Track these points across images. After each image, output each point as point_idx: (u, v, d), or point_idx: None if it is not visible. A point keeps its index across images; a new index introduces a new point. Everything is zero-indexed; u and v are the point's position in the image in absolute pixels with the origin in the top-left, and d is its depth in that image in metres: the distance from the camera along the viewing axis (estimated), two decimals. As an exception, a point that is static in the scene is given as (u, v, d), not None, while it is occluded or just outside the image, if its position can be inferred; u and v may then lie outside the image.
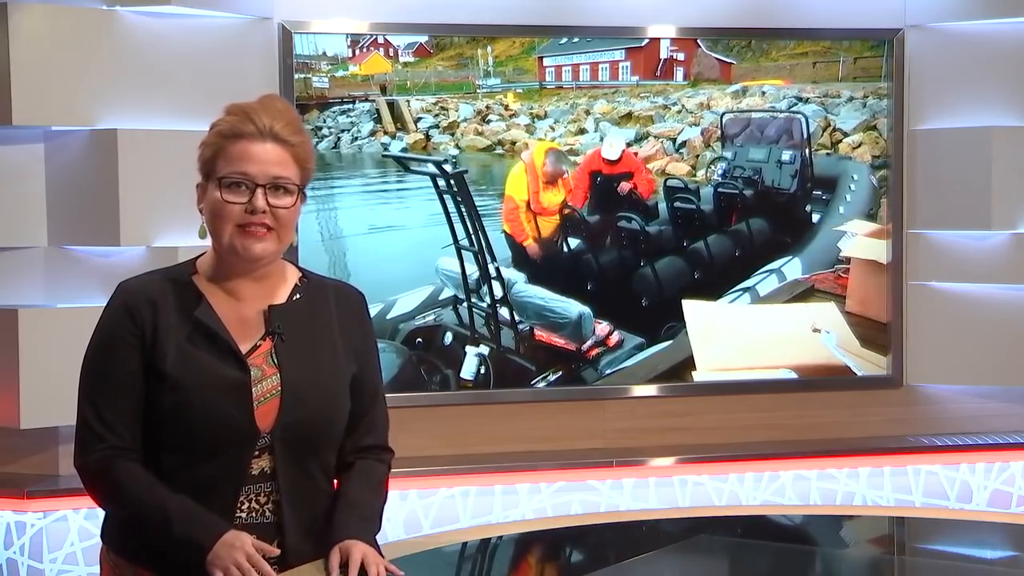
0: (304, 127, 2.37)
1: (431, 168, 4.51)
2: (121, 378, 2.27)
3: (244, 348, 2.30)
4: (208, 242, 2.34)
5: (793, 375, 4.77)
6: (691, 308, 4.70)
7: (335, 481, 2.45)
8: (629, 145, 4.66)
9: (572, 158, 4.61)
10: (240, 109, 2.30)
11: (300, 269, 2.44)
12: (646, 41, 4.66)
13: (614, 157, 4.63)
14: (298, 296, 2.38)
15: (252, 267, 2.31)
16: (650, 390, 4.68)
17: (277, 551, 2.28)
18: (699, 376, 4.71)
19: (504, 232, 4.56)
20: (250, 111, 2.28)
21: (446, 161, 4.51)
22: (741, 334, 4.74)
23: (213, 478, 2.27)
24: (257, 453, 2.29)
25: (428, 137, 4.53)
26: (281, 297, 2.37)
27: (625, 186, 4.59)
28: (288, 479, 2.31)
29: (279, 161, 2.28)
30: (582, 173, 4.62)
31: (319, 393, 2.34)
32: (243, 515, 2.29)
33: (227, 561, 2.18)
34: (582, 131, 4.62)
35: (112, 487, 2.28)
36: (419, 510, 4.25)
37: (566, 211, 4.60)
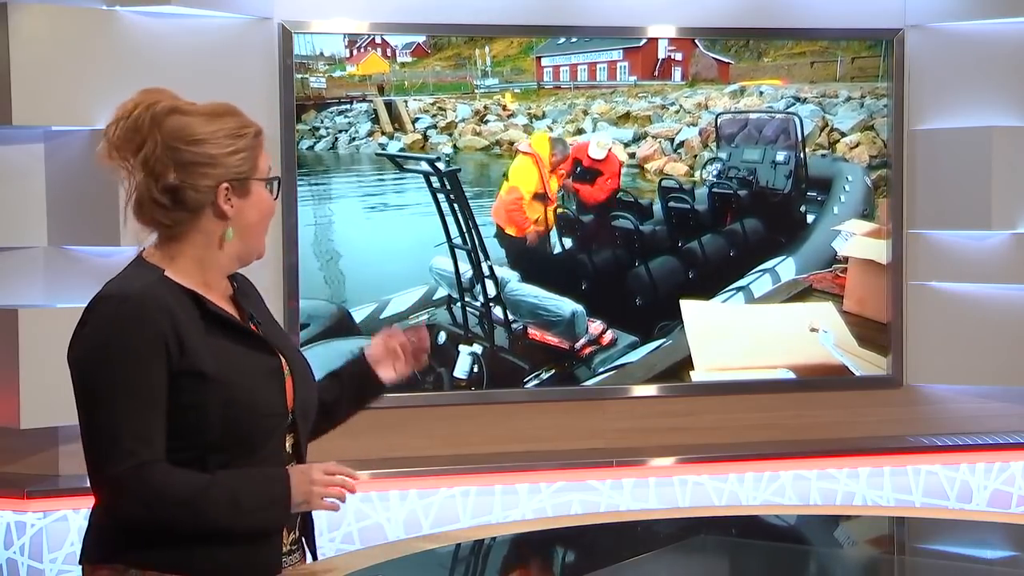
0: None
1: (424, 166, 4.51)
2: (151, 390, 2.19)
3: None
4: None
5: (791, 374, 4.77)
6: (689, 308, 4.71)
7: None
8: (627, 145, 4.66)
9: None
10: (239, 111, 2.32)
11: None
12: (644, 41, 4.66)
13: (600, 156, 4.63)
14: (236, 284, 2.40)
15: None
16: (650, 390, 4.68)
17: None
18: (697, 376, 4.71)
19: (497, 227, 4.56)
20: (246, 118, 2.33)
21: (439, 159, 4.51)
22: (739, 334, 4.74)
23: (262, 466, 2.28)
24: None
25: (426, 137, 4.53)
26: (229, 287, 2.38)
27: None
28: (307, 453, 2.37)
29: None
30: (571, 158, 4.63)
31: (308, 367, 2.41)
32: None
33: (319, 491, 2.23)
34: (580, 131, 4.62)
35: (156, 487, 2.19)
36: (419, 510, 4.25)
37: (560, 210, 4.61)
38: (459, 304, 4.54)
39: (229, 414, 2.22)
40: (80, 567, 2.31)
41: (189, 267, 2.29)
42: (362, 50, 4.49)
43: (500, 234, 4.57)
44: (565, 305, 4.61)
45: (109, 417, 2.18)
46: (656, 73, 4.69)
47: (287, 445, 2.33)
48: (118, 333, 2.19)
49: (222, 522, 2.20)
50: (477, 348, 4.56)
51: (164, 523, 2.22)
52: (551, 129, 4.60)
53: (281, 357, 2.33)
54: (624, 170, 4.66)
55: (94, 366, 2.20)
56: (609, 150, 4.63)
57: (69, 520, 4.01)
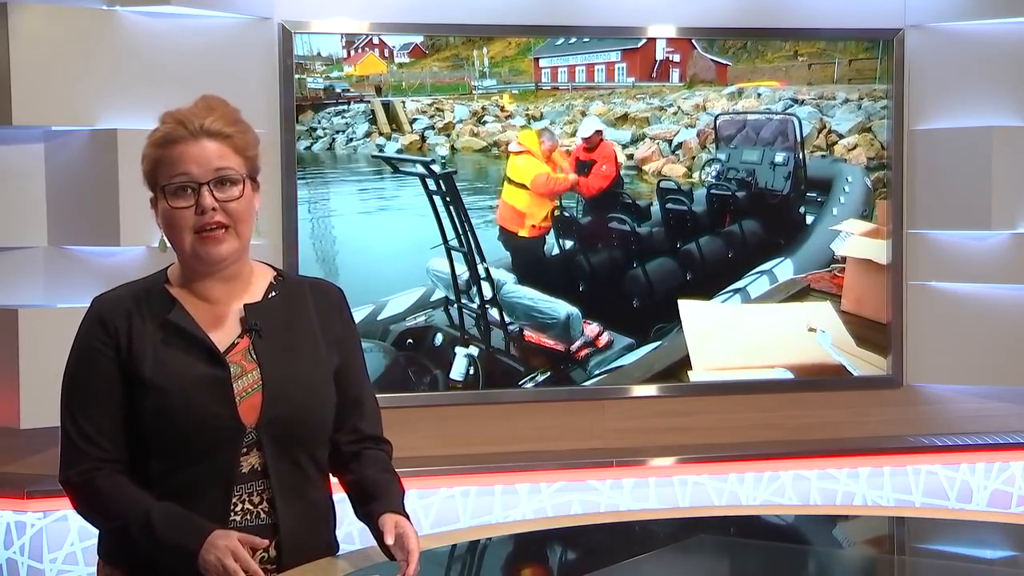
0: (242, 118, 2.32)
1: (419, 168, 4.50)
2: (99, 390, 2.27)
3: (221, 346, 2.29)
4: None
5: (788, 374, 4.77)
6: (687, 308, 4.70)
7: (341, 471, 2.45)
8: (625, 147, 4.66)
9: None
10: (171, 116, 2.28)
11: (275, 269, 2.45)
12: (642, 42, 4.66)
13: (586, 135, 4.61)
14: (274, 294, 2.39)
15: (218, 269, 2.31)
16: (650, 390, 4.68)
17: (265, 542, 2.27)
18: (695, 376, 4.71)
19: (501, 229, 4.56)
20: (181, 116, 2.27)
21: (434, 161, 4.51)
22: (737, 333, 4.74)
23: (204, 480, 2.26)
24: (245, 450, 2.28)
25: (423, 138, 4.52)
26: (256, 295, 2.37)
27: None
28: (279, 474, 2.30)
29: (218, 155, 2.26)
30: (572, 157, 4.63)
31: (301, 386, 2.34)
32: (237, 518, 2.28)
33: (212, 561, 2.18)
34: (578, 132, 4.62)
35: (95, 500, 2.28)
36: (419, 510, 4.25)
37: (557, 212, 4.61)
38: (456, 306, 4.54)
39: (163, 421, 2.24)
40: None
41: (177, 272, 2.36)
42: (359, 50, 4.49)
43: (503, 236, 4.57)
44: (560, 307, 4.61)
45: (63, 420, 2.30)
46: (654, 74, 4.68)
47: (250, 463, 2.29)
48: (78, 338, 2.32)
49: (141, 550, 2.24)
50: (473, 350, 4.56)
51: (104, 528, 2.34)
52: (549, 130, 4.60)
53: (237, 368, 2.28)
54: (622, 171, 4.66)
55: (65, 368, 2.32)
56: (601, 137, 4.61)
57: (69, 520, 4.01)
